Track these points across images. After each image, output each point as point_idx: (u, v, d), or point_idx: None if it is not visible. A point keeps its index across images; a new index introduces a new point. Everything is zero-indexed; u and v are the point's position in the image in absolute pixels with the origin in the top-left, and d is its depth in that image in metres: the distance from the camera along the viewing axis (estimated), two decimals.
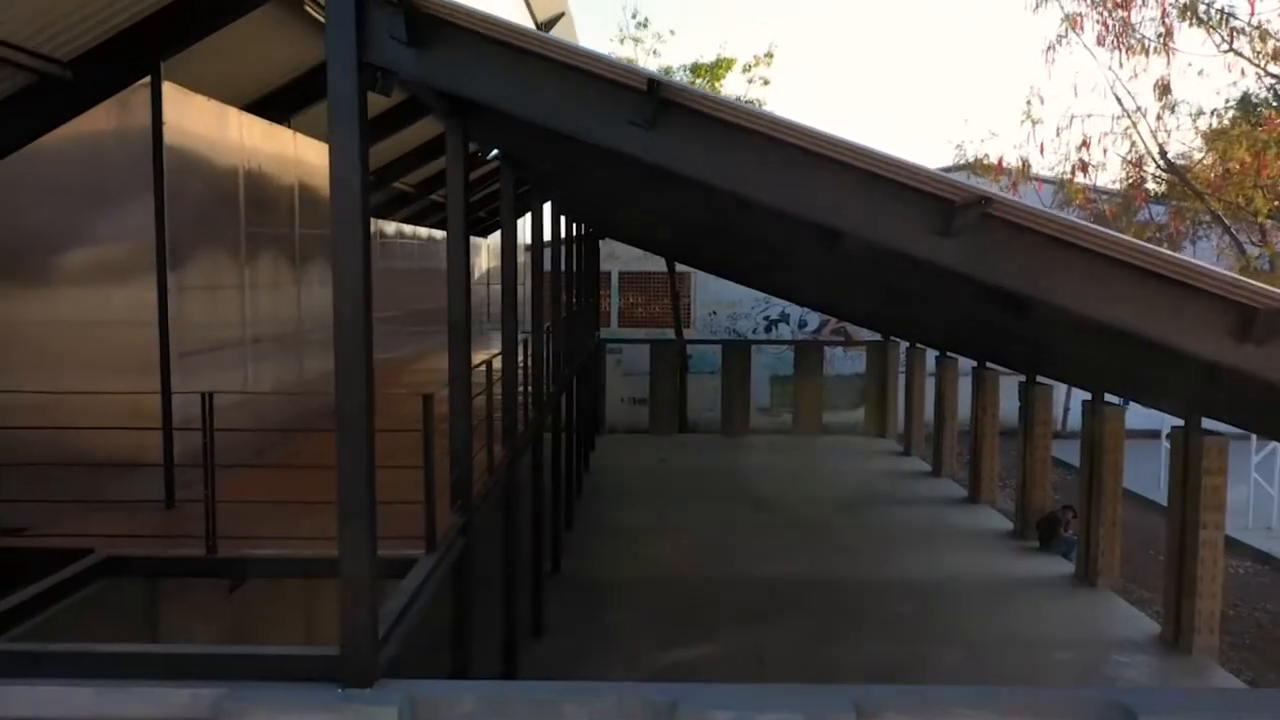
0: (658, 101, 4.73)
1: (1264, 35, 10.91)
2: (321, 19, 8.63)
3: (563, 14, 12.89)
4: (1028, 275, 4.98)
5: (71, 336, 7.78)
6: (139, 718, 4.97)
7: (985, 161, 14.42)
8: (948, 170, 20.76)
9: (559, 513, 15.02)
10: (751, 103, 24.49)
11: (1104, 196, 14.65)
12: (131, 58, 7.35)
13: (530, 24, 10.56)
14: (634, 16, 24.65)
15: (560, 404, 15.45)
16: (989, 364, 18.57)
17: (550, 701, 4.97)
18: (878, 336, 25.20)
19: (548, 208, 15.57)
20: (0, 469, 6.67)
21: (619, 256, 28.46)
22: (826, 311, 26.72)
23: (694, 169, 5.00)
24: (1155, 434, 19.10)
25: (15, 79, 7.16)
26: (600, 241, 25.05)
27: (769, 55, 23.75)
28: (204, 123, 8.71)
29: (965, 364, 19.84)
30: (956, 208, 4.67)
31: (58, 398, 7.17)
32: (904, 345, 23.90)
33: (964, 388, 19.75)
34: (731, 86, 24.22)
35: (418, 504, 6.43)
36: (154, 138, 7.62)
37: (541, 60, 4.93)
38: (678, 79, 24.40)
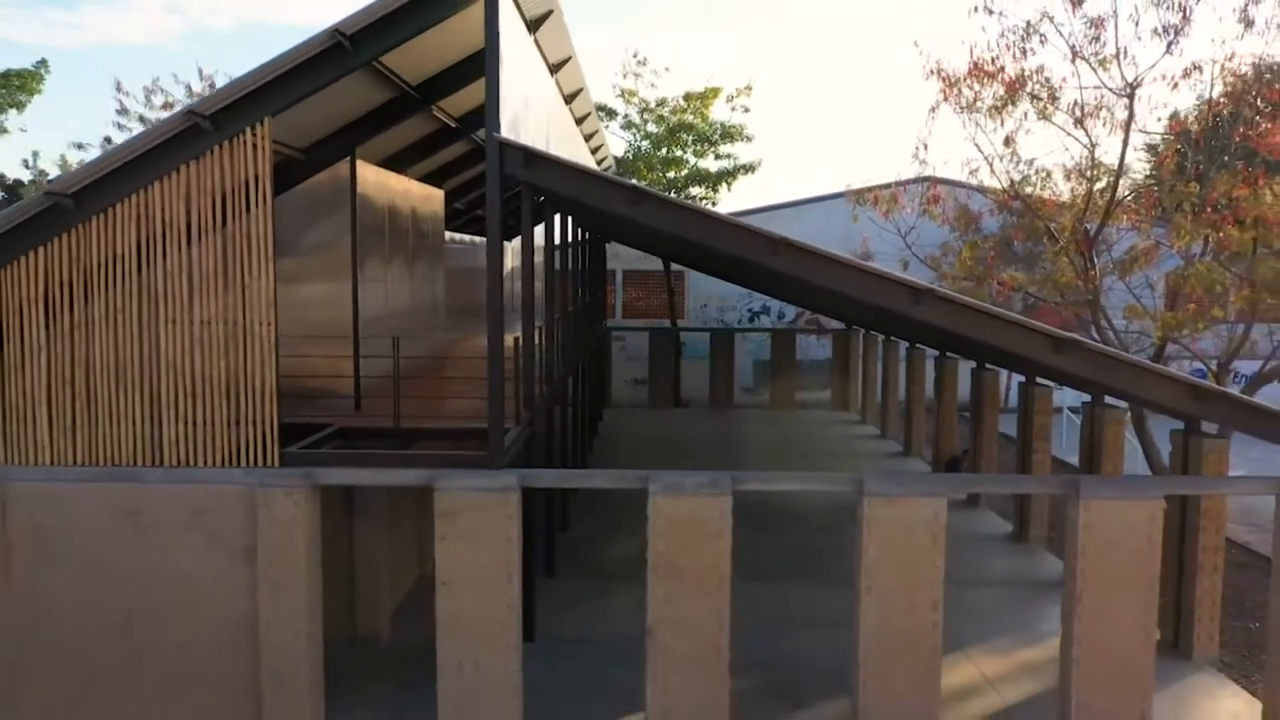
0: (638, 192, 10.86)
1: (1051, 107, 17.13)
2: (437, 115, 14.85)
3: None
4: (821, 275, 11.11)
5: (303, 312, 13.93)
6: (391, 484, 11.10)
7: (866, 194, 20.84)
8: (836, 196, 27.46)
9: (577, 460, 21.15)
10: (734, 127, 30.66)
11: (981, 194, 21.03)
12: (340, 146, 13.56)
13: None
14: (635, 55, 30.72)
15: (578, 373, 21.55)
16: (917, 345, 24.72)
17: (587, 476, 11.13)
18: (843, 326, 31.20)
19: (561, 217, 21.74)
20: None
21: (622, 257, 34.36)
22: (795, 304, 32.52)
23: (658, 223, 11.12)
24: (1058, 409, 25.22)
25: (275, 160, 13.36)
26: (606, 245, 30.93)
27: (748, 87, 29.95)
28: (371, 179, 14.94)
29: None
30: (776, 242, 10.79)
31: (291, 346, 13.27)
32: (863, 332, 29.93)
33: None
34: (717, 113, 30.36)
35: (510, 399, 12.54)
36: (351, 192, 13.84)
37: (581, 173, 11.11)
38: (672, 104, 30.56)
